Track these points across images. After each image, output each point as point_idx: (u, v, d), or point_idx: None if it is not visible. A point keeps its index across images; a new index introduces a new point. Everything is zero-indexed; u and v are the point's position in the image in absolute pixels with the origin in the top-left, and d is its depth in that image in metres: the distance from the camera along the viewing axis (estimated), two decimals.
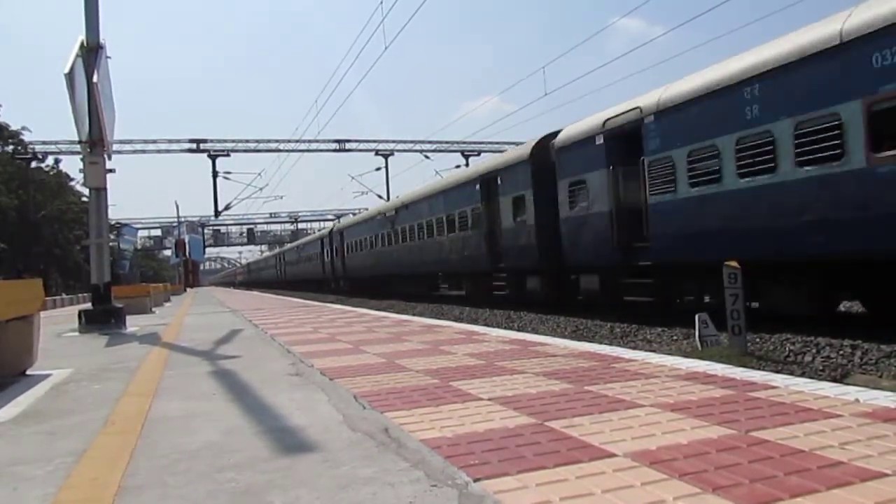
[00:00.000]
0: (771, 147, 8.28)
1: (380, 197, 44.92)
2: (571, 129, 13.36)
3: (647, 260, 10.75)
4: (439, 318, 11.81)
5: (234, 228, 78.52)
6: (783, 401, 2.66)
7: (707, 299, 10.38)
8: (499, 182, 16.19)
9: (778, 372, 4.51)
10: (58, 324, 11.48)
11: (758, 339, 7.99)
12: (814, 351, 7.29)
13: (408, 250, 23.16)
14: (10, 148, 44.29)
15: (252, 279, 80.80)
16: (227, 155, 42.80)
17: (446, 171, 35.77)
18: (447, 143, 48.12)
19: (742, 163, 8.77)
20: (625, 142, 11.25)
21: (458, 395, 3.14)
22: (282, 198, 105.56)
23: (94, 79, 9.01)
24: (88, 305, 10.05)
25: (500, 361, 4.17)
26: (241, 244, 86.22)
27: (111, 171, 9.90)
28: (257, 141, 45.13)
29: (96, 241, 9.64)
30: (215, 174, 40.73)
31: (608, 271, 12.14)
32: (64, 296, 36.27)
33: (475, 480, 1.85)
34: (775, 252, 8.40)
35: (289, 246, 59.05)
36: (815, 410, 2.47)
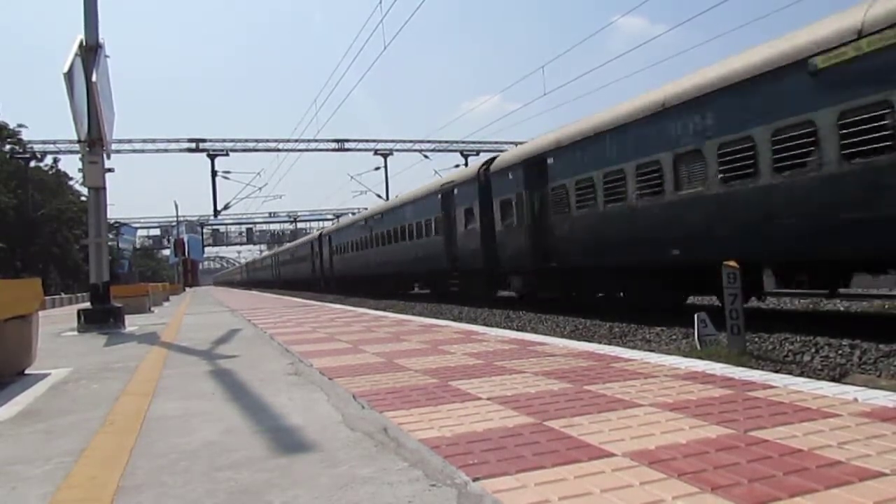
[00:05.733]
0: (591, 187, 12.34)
1: (378, 196, 44.94)
2: (501, 158, 17.00)
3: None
4: (438, 318, 11.81)
5: (233, 228, 78.44)
6: (782, 400, 2.66)
7: (600, 294, 13.71)
8: (454, 194, 18.89)
9: (777, 371, 4.51)
10: (57, 323, 11.48)
11: (756, 339, 7.99)
12: (813, 350, 7.29)
13: (382, 253, 25.94)
14: (9, 147, 44.19)
15: (250, 279, 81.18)
16: (226, 154, 42.76)
17: (445, 170, 35.86)
18: (446, 142, 48.11)
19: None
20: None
21: (457, 394, 3.14)
22: (281, 197, 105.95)
23: (93, 78, 9.00)
24: (87, 305, 10.04)
25: (498, 361, 4.17)
26: (241, 244, 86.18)
27: (110, 170, 9.90)
28: (256, 140, 45.10)
29: (95, 240, 9.62)
30: (214, 173, 40.70)
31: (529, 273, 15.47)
32: (63, 295, 36.20)
33: (474, 480, 1.85)
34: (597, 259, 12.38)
35: (284, 247, 61.57)
36: (814, 410, 2.47)
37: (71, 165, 70.61)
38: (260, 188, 68.82)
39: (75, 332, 9.11)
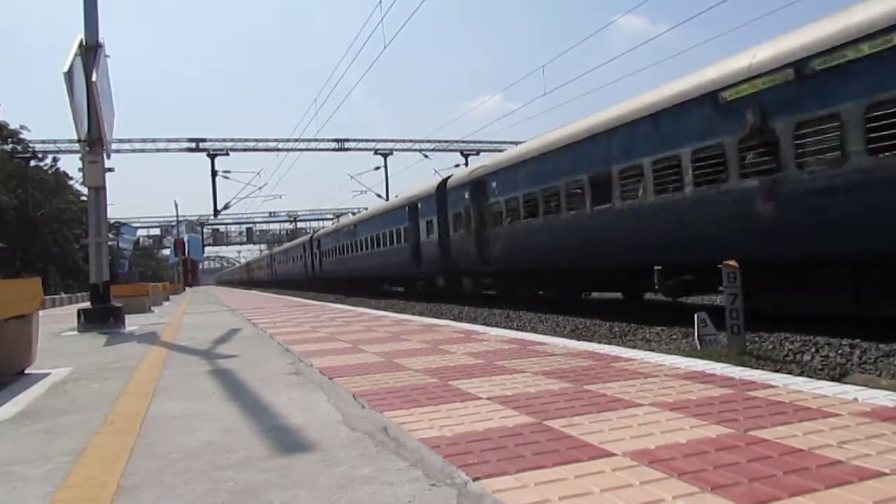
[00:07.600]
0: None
1: (378, 196, 45.00)
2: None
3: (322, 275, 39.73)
4: (438, 318, 11.81)
5: (233, 227, 78.45)
6: (782, 400, 2.66)
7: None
8: (303, 243, 44.18)
9: (777, 371, 4.51)
10: (57, 323, 11.47)
11: (756, 339, 7.98)
12: (812, 350, 7.29)
13: (290, 269, 50.38)
14: (9, 147, 44.19)
15: (237, 279, 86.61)
16: (227, 154, 42.84)
17: (445, 170, 36.15)
18: (447, 142, 48.12)
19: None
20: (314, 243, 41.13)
21: (457, 394, 3.14)
22: (281, 197, 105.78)
23: (93, 78, 8.99)
24: (87, 304, 10.04)
25: (499, 360, 4.17)
26: (241, 243, 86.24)
27: (110, 170, 9.90)
28: (256, 140, 45.15)
29: (95, 240, 9.62)
30: (214, 173, 40.77)
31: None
32: (63, 295, 36.19)
33: (474, 479, 1.85)
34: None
35: (257, 256, 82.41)
36: (814, 410, 2.47)
37: (71, 165, 70.50)
38: (260, 188, 68.83)
39: (75, 332, 9.11)
